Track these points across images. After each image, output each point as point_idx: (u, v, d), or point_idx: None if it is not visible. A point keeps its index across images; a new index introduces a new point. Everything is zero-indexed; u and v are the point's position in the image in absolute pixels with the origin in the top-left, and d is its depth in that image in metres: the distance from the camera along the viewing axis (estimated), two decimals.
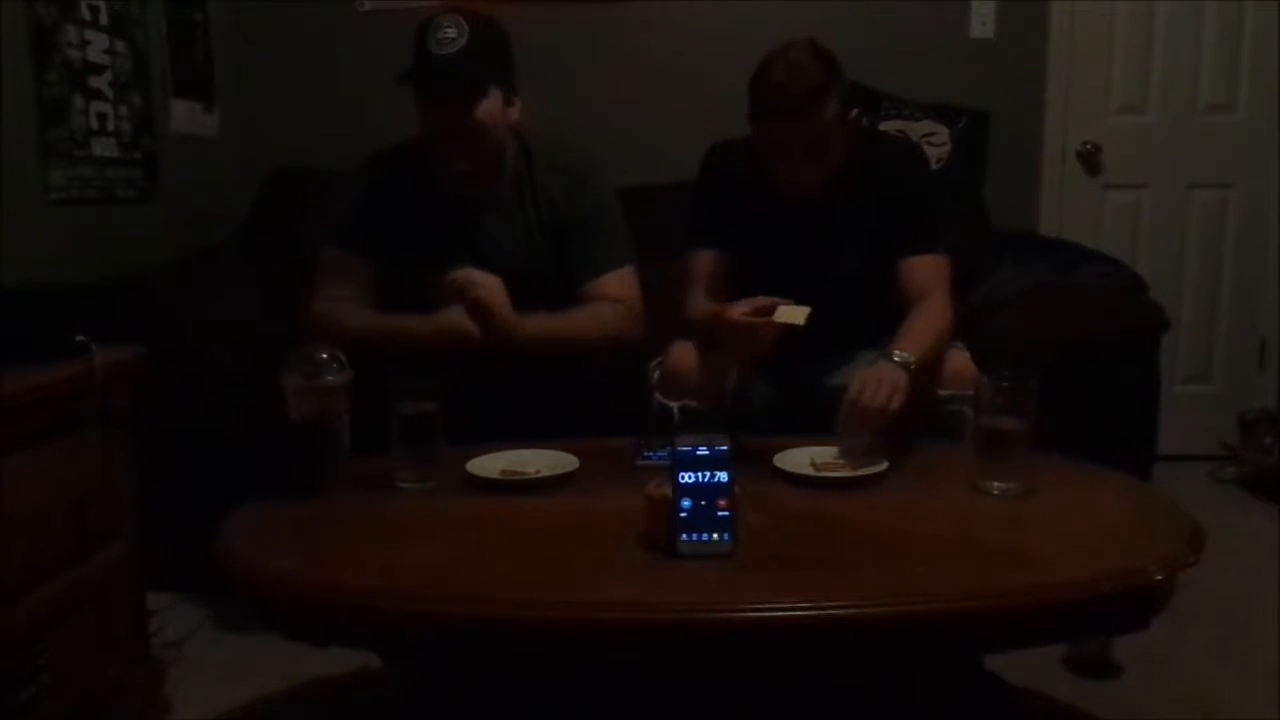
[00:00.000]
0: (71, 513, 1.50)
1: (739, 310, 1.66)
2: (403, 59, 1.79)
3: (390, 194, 1.89)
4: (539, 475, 1.44)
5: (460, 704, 1.37)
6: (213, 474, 1.75)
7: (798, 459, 1.46)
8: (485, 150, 1.83)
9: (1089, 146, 3.06)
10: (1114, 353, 2.19)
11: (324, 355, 1.41)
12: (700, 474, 1.16)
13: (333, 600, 1.10)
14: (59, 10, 2.20)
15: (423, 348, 1.72)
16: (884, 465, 1.42)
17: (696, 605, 1.08)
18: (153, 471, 1.74)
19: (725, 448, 1.18)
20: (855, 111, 1.81)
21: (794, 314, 1.60)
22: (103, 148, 2.37)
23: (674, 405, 1.80)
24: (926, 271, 1.81)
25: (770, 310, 1.62)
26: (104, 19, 2.36)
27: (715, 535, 1.14)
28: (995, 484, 1.35)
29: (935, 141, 2.79)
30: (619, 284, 1.91)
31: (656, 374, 1.86)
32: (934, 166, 2.65)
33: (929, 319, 1.73)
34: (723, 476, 1.16)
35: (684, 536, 1.14)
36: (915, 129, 2.79)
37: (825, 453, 1.48)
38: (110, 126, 2.40)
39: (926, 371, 1.65)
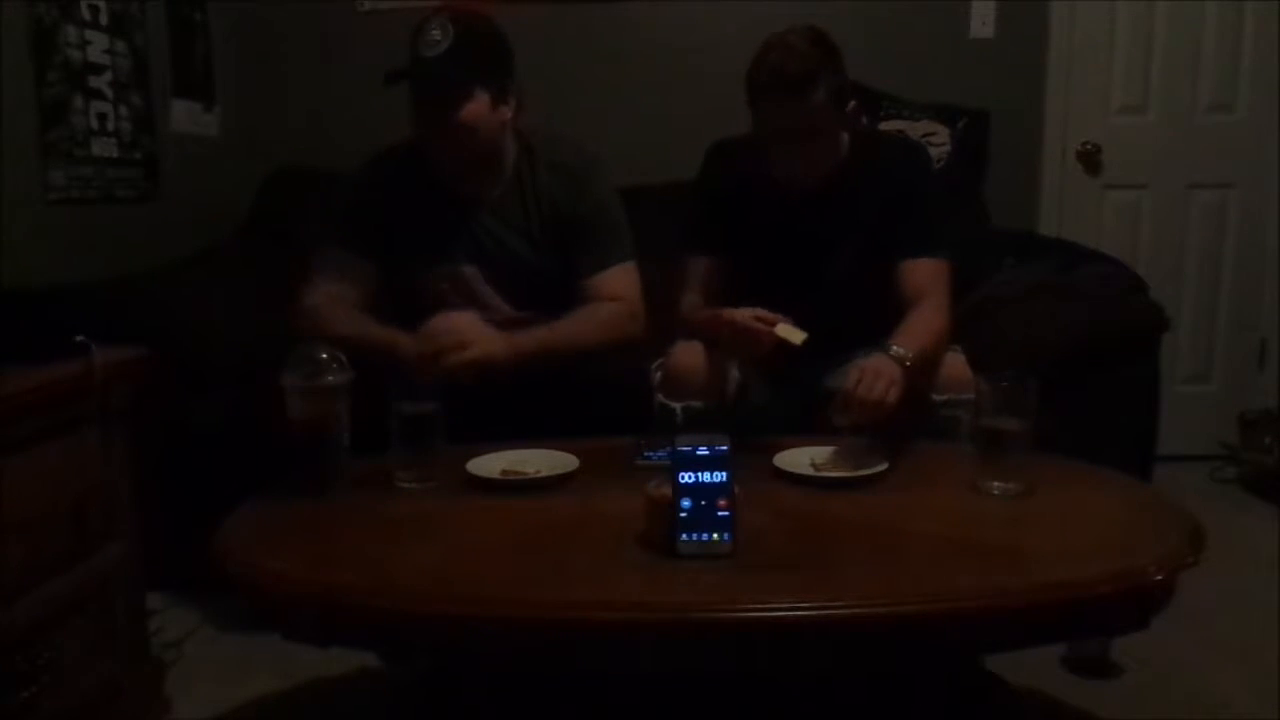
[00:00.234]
0: (71, 513, 1.49)
1: (744, 313, 1.66)
2: (402, 59, 1.79)
3: (391, 193, 1.88)
4: (539, 475, 1.44)
5: (460, 704, 1.37)
6: (213, 474, 1.75)
7: (798, 459, 1.46)
8: (476, 151, 1.82)
9: (1089, 146, 3.06)
10: (1114, 353, 2.18)
11: (324, 355, 1.40)
12: (700, 474, 1.16)
13: (333, 600, 1.10)
14: (59, 10, 2.20)
15: (405, 367, 1.68)
16: (883, 465, 1.42)
17: (696, 605, 1.08)
18: (153, 471, 1.74)
19: (725, 448, 1.18)
20: (854, 104, 1.80)
21: (793, 333, 1.62)
22: (103, 148, 2.37)
23: (677, 406, 1.79)
24: (926, 274, 1.81)
25: (772, 321, 1.63)
26: (104, 19, 2.36)
27: (715, 535, 1.14)
28: (995, 484, 1.35)
29: (935, 141, 2.79)
30: (619, 282, 1.91)
31: (658, 375, 1.85)
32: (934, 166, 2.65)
33: (927, 320, 1.73)
34: (723, 476, 1.16)
35: (684, 536, 1.14)
36: (915, 129, 2.79)
37: (825, 453, 1.48)
38: (110, 126, 2.40)
39: (923, 373, 1.65)
